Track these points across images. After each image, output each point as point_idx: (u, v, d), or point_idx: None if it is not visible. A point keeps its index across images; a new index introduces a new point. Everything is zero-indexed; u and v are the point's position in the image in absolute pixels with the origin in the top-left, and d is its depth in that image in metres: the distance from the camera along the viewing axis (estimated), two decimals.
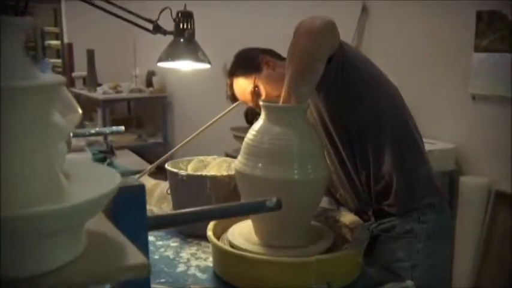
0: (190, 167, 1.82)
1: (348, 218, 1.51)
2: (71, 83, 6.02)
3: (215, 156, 1.88)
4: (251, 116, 3.31)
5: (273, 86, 1.58)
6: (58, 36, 6.86)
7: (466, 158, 2.70)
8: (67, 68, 6.25)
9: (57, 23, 6.97)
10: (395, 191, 1.43)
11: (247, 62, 1.65)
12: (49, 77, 0.55)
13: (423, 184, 1.46)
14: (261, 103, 1.36)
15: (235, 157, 3.12)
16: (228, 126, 3.16)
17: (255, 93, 1.61)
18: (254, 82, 1.59)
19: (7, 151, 0.51)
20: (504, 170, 2.53)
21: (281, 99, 1.31)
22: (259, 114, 2.64)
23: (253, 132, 1.34)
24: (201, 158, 1.86)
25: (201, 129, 1.70)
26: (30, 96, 0.52)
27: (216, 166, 1.83)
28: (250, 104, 1.67)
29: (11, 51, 0.52)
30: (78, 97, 5.24)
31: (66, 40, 6.43)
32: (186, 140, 1.68)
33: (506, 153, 2.51)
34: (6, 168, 0.51)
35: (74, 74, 6.12)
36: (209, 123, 1.65)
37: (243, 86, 1.64)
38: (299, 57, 1.26)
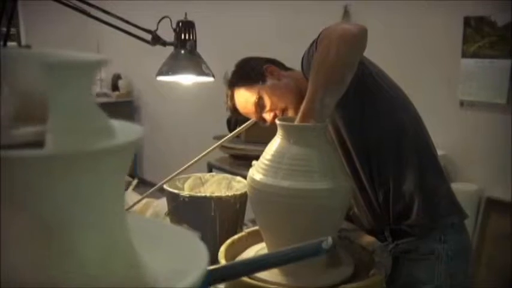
0: (187, 185, 1.71)
1: (364, 239, 1.43)
2: None
3: (213, 173, 1.78)
4: (234, 124, 3.22)
5: (279, 97, 1.48)
6: (11, 37, 6.51)
7: (454, 165, 2.68)
8: None
9: (11, 23, 6.60)
10: (417, 211, 1.36)
11: (250, 71, 1.54)
12: (129, 131, 0.44)
13: (445, 203, 1.40)
14: (277, 122, 1.25)
15: (218, 167, 3.02)
16: (211, 135, 3.05)
17: (259, 105, 1.51)
18: (258, 93, 1.49)
19: (87, 225, 0.40)
20: (493, 176, 2.52)
21: (300, 113, 1.19)
22: (244, 122, 2.52)
23: (269, 157, 1.24)
24: (199, 175, 1.74)
25: (213, 146, 1.59)
26: (112, 158, 0.41)
27: (214, 183, 1.72)
28: (253, 117, 1.57)
29: (84, 102, 0.41)
30: None
31: (23, 42, 6.12)
32: (198, 157, 1.56)
33: (495, 160, 2.51)
34: (85, 247, 0.40)
35: None
36: (221, 140, 1.54)
37: (245, 97, 1.53)
38: (331, 66, 1.15)
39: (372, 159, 1.37)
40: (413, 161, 1.36)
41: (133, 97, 5.52)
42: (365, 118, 1.34)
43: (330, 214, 1.22)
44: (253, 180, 1.25)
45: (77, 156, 0.37)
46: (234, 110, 1.60)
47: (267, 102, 1.49)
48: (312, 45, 1.30)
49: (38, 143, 0.41)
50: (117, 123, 0.45)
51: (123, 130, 0.44)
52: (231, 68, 1.60)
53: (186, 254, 0.48)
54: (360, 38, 1.18)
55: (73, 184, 0.38)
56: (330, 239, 0.79)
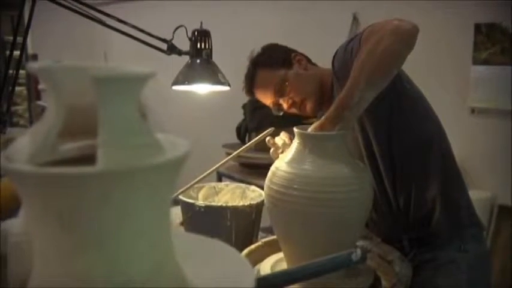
0: (201, 194, 1.69)
1: (380, 247, 1.41)
2: (36, 96, 5.75)
3: (227, 183, 1.76)
4: (244, 131, 3.21)
5: (302, 86, 1.47)
6: (17, 46, 6.45)
7: (466, 172, 2.64)
8: (32, 81, 5.96)
9: (17, 31, 6.58)
10: (437, 220, 1.35)
11: (277, 54, 1.53)
12: (175, 145, 0.43)
13: (465, 213, 1.39)
14: (295, 130, 1.22)
15: (228, 176, 3.00)
16: (220, 143, 3.04)
17: (279, 90, 1.48)
18: (282, 78, 1.47)
19: (134, 242, 0.39)
20: (505, 184, 2.50)
21: (336, 104, 1.15)
22: (254, 131, 2.47)
23: (289, 159, 1.21)
24: (212, 184, 1.73)
25: (233, 154, 1.57)
26: (162, 173, 0.40)
27: (229, 193, 1.71)
28: (268, 101, 1.54)
29: (133, 116, 0.40)
30: (45, 111, 4.98)
31: (30, 51, 6.13)
32: (216, 166, 1.54)
33: (507, 167, 2.49)
34: (132, 264, 0.39)
35: (40, 87, 5.84)
36: (244, 147, 1.52)
37: (267, 78, 1.51)
38: (380, 59, 1.12)
39: (396, 164, 1.36)
40: (437, 170, 1.35)
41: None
42: (393, 122, 1.33)
43: (352, 216, 1.16)
44: (275, 175, 1.20)
45: (130, 172, 0.36)
46: (250, 91, 1.57)
47: (289, 88, 1.48)
48: (350, 41, 1.28)
49: (83, 158, 0.40)
50: (161, 137, 0.44)
51: (170, 144, 0.43)
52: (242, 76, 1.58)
53: (231, 270, 0.46)
54: (413, 34, 1.16)
55: (122, 200, 0.37)
56: (359, 251, 0.78)
